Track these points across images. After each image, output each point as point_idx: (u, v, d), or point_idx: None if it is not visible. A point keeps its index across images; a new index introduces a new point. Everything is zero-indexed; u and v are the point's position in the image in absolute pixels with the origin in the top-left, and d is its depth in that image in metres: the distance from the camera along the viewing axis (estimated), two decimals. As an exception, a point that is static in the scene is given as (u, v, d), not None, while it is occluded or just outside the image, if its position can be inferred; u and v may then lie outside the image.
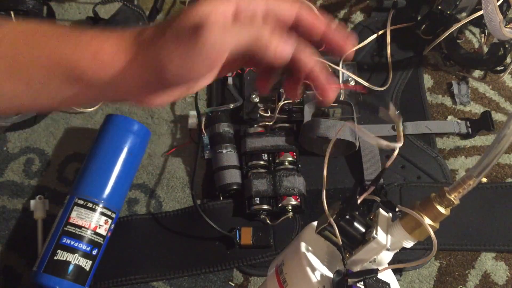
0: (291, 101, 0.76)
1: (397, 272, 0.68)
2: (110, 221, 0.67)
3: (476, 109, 0.81)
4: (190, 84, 0.34)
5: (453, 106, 0.82)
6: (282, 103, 0.75)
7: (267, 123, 0.76)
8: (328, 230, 0.41)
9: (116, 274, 0.69)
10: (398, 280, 0.69)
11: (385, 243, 0.41)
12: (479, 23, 0.83)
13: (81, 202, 0.65)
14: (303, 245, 0.44)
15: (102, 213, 0.66)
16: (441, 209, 0.40)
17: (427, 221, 0.40)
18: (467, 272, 0.70)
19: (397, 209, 0.41)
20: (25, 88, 0.33)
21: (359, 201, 0.42)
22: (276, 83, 0.37)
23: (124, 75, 0.32)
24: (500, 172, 0.77)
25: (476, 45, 0.86)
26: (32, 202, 0.72)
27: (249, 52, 0.31)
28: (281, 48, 0.31)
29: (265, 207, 0.70)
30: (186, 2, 0.87)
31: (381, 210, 0.44)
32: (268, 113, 0.77)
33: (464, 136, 0.79)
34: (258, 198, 0.70)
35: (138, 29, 0.33)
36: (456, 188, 0.39)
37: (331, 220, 0.41)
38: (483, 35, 0.85)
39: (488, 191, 0.74)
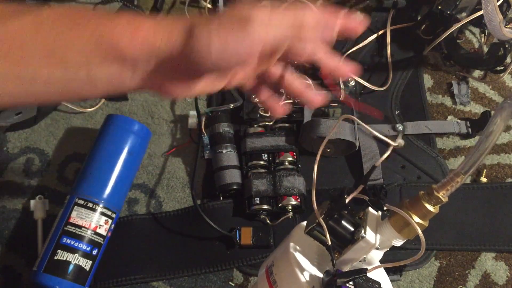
0: (291, 101, 0.76)
1: (397, 272, 0.68)
2: (110, 221, 0.67)
3: (476, 109, 0.81)
4: (221, 75, 0.39)
5: (453, 106, 0.82)
6: (282, 103, 0.75)
7: (267, 123, 0.76)
8: (317, 230, 0.41)
9: (116, 274, 0.69)
10: (398, 280, 0.69)
11: (374, 242, 0.41)
12: (479, 23, 0.83)
13: (81, 202, 0.65)
14: (292, 246, 0.44)
15: (102, 213, 0.66)
16: (430, 207, 0.40)
17: (415, 219, 0.40)
18: (467, 272, 0.70)
19: (385, 208, 0.41)
20: (62, 72, 0.34)
21: (347, 200, 0.41)
22: (275, 83, 0.39)
23: (161, 54, 0.34)
24: (500, 172, 0.77)
25: (476, 45, 0.86)
26: (32, 202, 0.72)
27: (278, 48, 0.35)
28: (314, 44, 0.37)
29: (265, 207, 0.70)
30: (186, 2, 0.87)
31: (370, 209, 0.43)
32: (268, 113, 0.77)
33: (464, 136, 0.79)
34: (258, 198, 0.70)
35: (173, 16, 0.36)
36: (444, 185, 0.39)
37: (320, 219, 0.40)
38: (483, 35, 0.85)
39: (488, 191, 0.74)
